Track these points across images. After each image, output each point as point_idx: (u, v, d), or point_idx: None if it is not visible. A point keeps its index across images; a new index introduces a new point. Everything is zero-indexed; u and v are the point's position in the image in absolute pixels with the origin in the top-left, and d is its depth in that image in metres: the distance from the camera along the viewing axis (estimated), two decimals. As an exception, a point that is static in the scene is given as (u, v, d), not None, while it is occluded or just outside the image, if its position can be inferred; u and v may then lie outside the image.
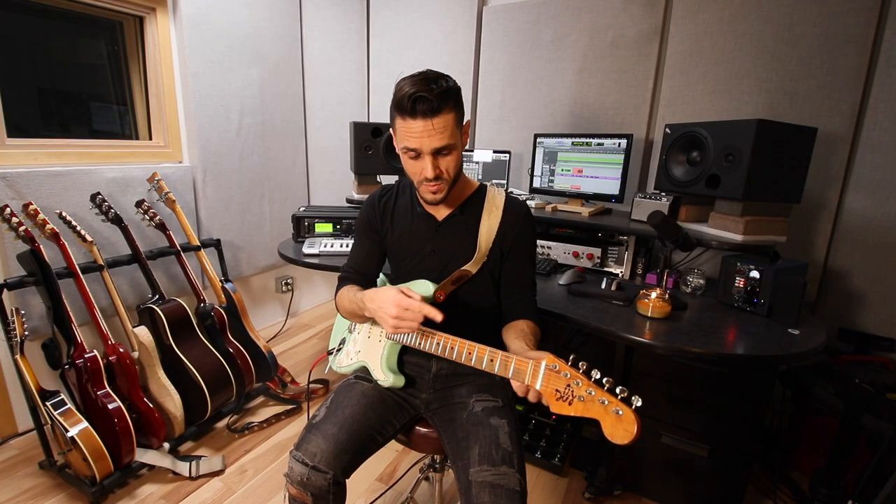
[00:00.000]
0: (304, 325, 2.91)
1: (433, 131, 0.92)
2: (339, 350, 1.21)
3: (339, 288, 1.16)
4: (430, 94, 0.90)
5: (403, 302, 0.90)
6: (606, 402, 0.69)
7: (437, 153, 0.96)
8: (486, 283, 1.12)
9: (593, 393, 0.70)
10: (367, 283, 1.18)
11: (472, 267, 1.07)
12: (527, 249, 1.13)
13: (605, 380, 0.71)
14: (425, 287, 1.06)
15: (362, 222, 1.19)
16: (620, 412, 0.68)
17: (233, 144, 2.36)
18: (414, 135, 0.93)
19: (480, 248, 1.07)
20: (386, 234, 1.17)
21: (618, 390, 0.70)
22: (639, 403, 0.67)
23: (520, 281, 1.13)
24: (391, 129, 1.02)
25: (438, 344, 0.95)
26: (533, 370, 0.78)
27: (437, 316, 0.88)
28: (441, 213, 1.11)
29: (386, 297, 0.93)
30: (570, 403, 0.73)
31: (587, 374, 0.73)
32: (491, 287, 1.13)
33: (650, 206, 1.70)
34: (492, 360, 0.86)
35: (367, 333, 1.14)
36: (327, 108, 2.87)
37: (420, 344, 1.00)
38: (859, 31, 1.66)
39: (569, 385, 0.73)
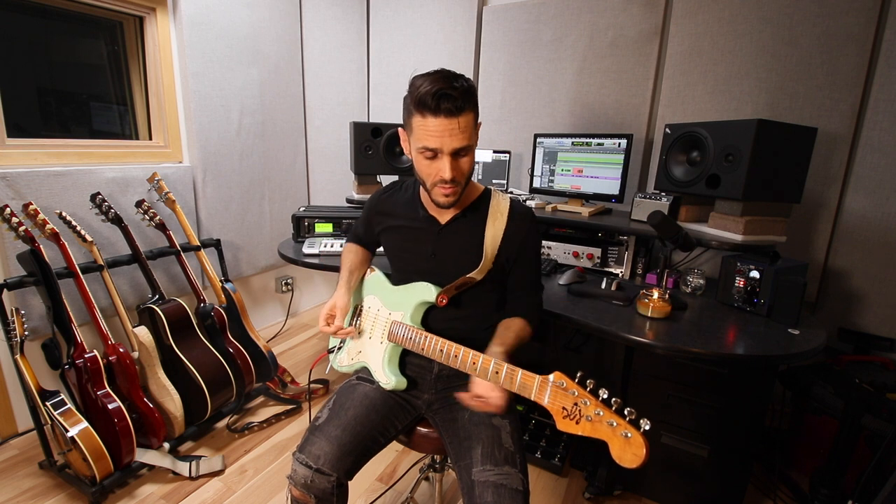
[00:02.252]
0: (304, 325, 2.91)
1: (456, 130, 0.89)
2: (339, 349, 1.21)
3: (348, 239, 1.33)
4: (454, 92, 0.87)
5: (328, 316, 1.11)
6: (615, 425, 0.68)
7: (455, 154, 0.93)
8: (490, 289, 1.11)
9: (601, 414, 0.69)
10: (367, 250, 1.30)
11: (477, 275, 1.05)
12: (533, 254, 1.12)
13: (613, 400, 0.70)
14: (427, 291, 1.05)
15: (364, 215, 1.25)
16: (629, 435, 0.67)
17: (233, 144, 2.36)
18: (435, 134, 0.89)
19: (486, 256, 1.05)
20: (381, 233, 1.19)
21: (626, 412, 0.69)
22: (647, 427, 0.67)
23: (522, 283, 1.12)
24: (402, 129, 1.00)
25: (442, 351, 0.95)
26: (540, 386, 0.78)
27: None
28: (444, 215, 1.10)
29: (328, 303, 1.12)
30: (577, 422, 0.72)
31: (594, 392, 0.72)
32: (493, 291, 1.12)
33: (650, 206, 1.70)
34: (497, 372, 0.85)
35: (368, 334, 1.14)
36: (327, 109, 2.87)
37: (423, 349, 0.99)
38: (859, 31, 1.66)
39: (576, 404, 0.72)
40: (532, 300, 1.13)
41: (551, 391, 0.76)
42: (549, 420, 1.89)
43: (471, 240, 1.07)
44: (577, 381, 0.75)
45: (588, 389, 0.73)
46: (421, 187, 1.11)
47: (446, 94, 0.86)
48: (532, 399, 0.79)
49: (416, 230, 1.12)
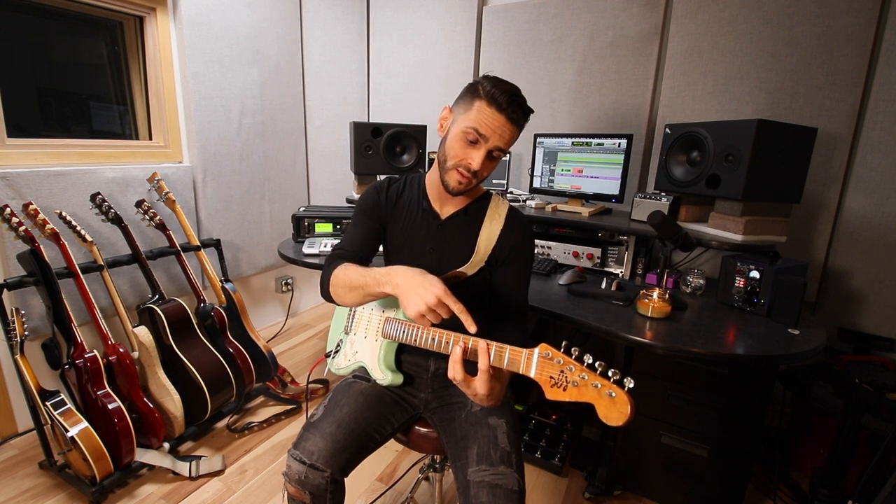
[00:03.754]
0: (304, 325, 2.92)
1: (506, 133, 0.96)
2: (336, 352, 1.21)
3: (331, 264, 1.07)
4: (523, 105, 0.96)
5: (446, 299, 0.83)
6: (599, 386, 0.70)
7: (491, 152, 0.98)
8: (482, 286, 1.11)
9: (586, 377, 0.71)
10: (362, 265, 1.09)
11: (468, 269, 1.06)
12: (522, 261, 1.10)
13: (597, 363, 0.72)
14: None
15: (366, 205, 1.15)
16: (613, 394, 0.68)
17: (233, 144, 2.36)
18: (491, 125, 0.94)
19: (479, 252, 1.07)
20: (388, 223, 1.15)
21: (610, 373, 0.70)
22: (631, 385, 0.68)
23: (510, 296, 1.09)
24: (449, 108, 1.03)
25: (434, 339, 0.94)
26: (527, 359, 0.79)
27: (472, 327, 0.84)
28: (445, 211, 1.11)
29: (428, 283, 0.86)
30: (564, 389, 0.73)
31: (579, 359, 0.74)
32: (486, 289, 1.12)
33: (650, 206, 1.70)
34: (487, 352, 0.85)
35: (364, 334, 1.14)
36: (327, 109, 2.87)
37: (415, 341, 0.98)
38: (859, 31, 1.66)
39: (562, 371, 0.74)
40: (521, 324, 1.10)
41: (538, 362, 0.77)
42: (549, 420, 1.89)
43: (466, 237, 1.09)
44: (562, 349, 0.76)
45: (574, 357, 0.74)
46: (427, 177, 1.13)
47: (518, 102, 0.95)
48: (521, 373, 0.80)
49: (417, 224, 1.12)
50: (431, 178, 1.12)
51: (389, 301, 1.11)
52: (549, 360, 0.76)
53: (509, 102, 0.93)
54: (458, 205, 1.11)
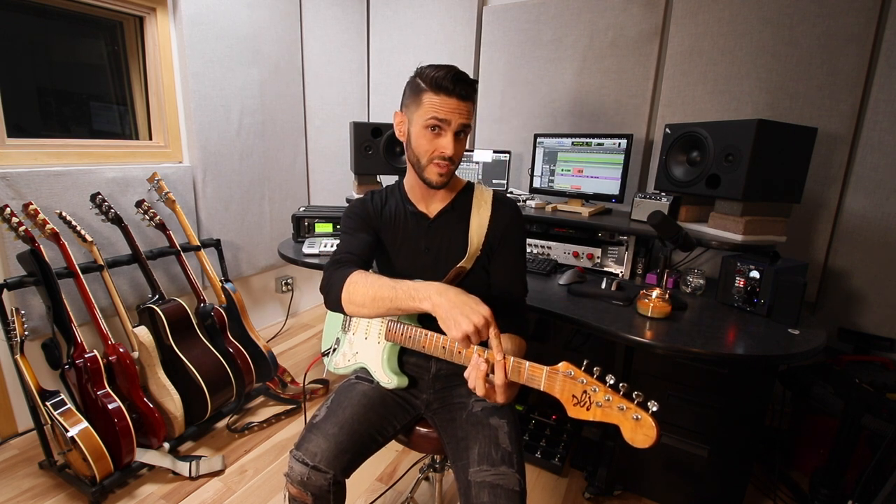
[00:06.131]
0: (304, 325, 2.92)
1: (464, 111, 0.99)
2: (334, 350, 1.21)
3: (339, 269, 0.99)
4: (468, 80, 0.98)
5: (492, 320, 0.81)
6: (625, 408, 0.71)
7: (457, 134, 1.00)
8: (482, 278, 1.12)
9: (611, 399, 0.72)
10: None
11: (466, 263, 1.07)
12: (516, 244, 1.12)
13: (620, 385, 0.73)
14: None
15: (357, 217, 1.12)
16: (639, 417, 0.69)
17: (233, 144, 2.36)
18: (446, 108, 0.97)
19: (472, 243, 1.08)
20: (380, 231, 1.13)
21: (634, 395, 0.71)
22: (655, 408, 0.69)
23: (508, 282, 1.10)
24: (400, 112, 1.05)
25: (444, 347, 0.93)
26: (548, 376, 0.79)
27: (500, 355, 0.82)
28: (433, 209, 1.12)
29: (474, 303, 0.82)
30: (587, 409, 0.74)
31: (601, 379, 0.74)
32: (486, 280, 1.13)
33: (650, 206, 1.70)
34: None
35: (364, 334, 1.14)
36: (327, 109, 2.87)
37: (424, 347, 0.97)
38: (859, 31, 1.66)
39: (585, 391, 0.74)
40: (522, 306, 1.13)
41: (561, 380, 0.78)
42: (549, 420, 1.89)
43: (459, 231, 1.10)
44: (583, 369, 0.76)
45: (595, 377, 0.75)
46: (405, 182, 1.14)
47: (462, 79, 0.97)
48: (542, 389, 0.80)
49: (408, 228, 1.12)
50: (410, 183, 1.13)
51: None
52: (571, 379, 0.76)
53: (454, 83, 0.95)
54: (444, 201, 1.12)
